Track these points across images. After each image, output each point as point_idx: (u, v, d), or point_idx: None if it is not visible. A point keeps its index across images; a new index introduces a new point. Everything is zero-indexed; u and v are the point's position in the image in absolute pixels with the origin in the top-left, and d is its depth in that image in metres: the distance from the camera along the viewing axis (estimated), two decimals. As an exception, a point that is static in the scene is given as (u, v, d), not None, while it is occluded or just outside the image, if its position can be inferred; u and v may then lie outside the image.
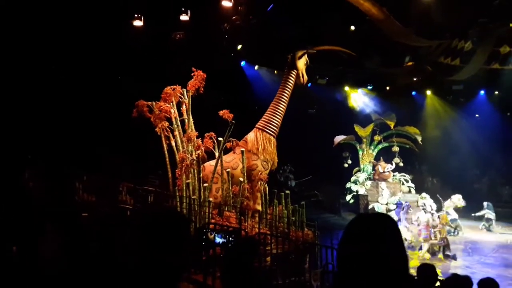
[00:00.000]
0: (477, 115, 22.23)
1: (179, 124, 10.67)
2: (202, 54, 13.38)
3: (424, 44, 15.26)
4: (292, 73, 11.87)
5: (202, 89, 10.50)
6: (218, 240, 8.32)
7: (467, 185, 18.72)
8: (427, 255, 12.61)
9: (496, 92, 20.67)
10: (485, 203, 16.99)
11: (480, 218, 16.86)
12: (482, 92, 21.10)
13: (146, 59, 14.05)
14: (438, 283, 5.00)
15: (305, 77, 12.00)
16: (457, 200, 15.68)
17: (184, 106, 10.70)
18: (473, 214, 17.02)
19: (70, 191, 11.06)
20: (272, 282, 8.33)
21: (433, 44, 15.64)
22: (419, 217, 13.39)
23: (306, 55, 11.88)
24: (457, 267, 11.51)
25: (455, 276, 4.38)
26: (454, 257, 12.57)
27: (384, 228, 1.59)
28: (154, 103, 10.53)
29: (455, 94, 20.89)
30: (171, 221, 2.39)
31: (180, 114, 10.70)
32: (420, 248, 12.88)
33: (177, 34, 13.50)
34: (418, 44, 15.20)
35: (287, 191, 11.25)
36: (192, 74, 10.52)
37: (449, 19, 13.03)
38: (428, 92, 21.59)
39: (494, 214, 16.73)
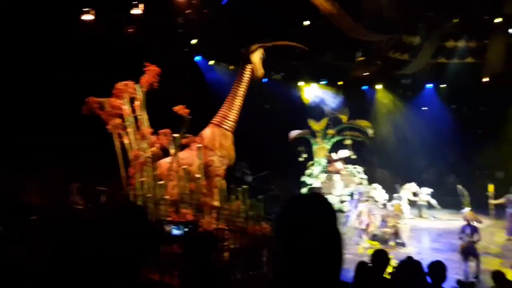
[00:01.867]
0: (425, 108, 23.14)
1: (133, 121, 10.42)
2: (155, 49, 13.10)
3: (374, 39, 15.69)
4: (247, 68, 11.73)
5: (156, 84, 10.30)
6: (175, 232, 8.17)
7: (416, 175, 19.43)
8: (370, 243, 12.85)
9: (443, 85, 21.60)
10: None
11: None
12: (429, 85, 22.00)
13: (97, 54, 13.58)
14: (390, 268, 5.23)
15: (261, 70, 11.88)
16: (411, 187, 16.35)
17: (137, 102, 10.46)
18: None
19: (16, 193, 10.54)
20: (230, 277, 8.33)
21: (383, 39, 16.12)
22: (361, 207, 13.74)
23: (261, 49, 11.77)
24: (408, 253, 11.93)
25: (409, 258, 4.73)
26: (403, 244, 13.03)
27: (323, 210, 1.55)
28: (105, 99, 10.23)
29: (404, 87, 21.69)
30: (127, 213, 2.32)
31: (134, 111, 10.45)
32: (360, 236, 13.17)
33: (129, 28, 13.15)
34: (369, 39, 15.62)
35: (245, 186, 11.26)
36: (145, 69, 10.29)
37: (398, 13, 13.48)
38: (378, 86, 22.25)
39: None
